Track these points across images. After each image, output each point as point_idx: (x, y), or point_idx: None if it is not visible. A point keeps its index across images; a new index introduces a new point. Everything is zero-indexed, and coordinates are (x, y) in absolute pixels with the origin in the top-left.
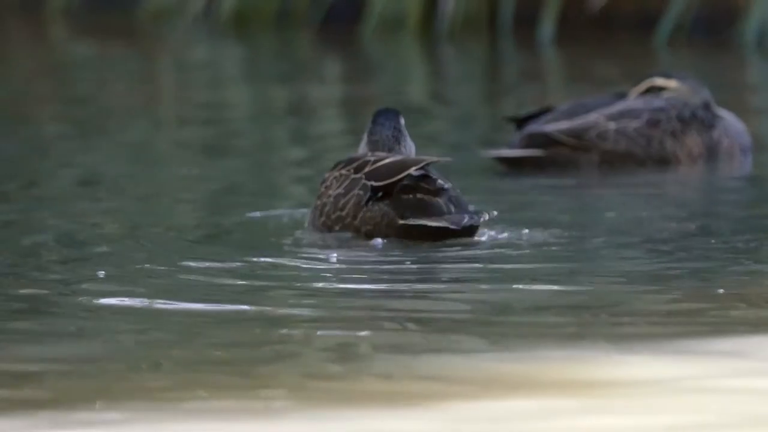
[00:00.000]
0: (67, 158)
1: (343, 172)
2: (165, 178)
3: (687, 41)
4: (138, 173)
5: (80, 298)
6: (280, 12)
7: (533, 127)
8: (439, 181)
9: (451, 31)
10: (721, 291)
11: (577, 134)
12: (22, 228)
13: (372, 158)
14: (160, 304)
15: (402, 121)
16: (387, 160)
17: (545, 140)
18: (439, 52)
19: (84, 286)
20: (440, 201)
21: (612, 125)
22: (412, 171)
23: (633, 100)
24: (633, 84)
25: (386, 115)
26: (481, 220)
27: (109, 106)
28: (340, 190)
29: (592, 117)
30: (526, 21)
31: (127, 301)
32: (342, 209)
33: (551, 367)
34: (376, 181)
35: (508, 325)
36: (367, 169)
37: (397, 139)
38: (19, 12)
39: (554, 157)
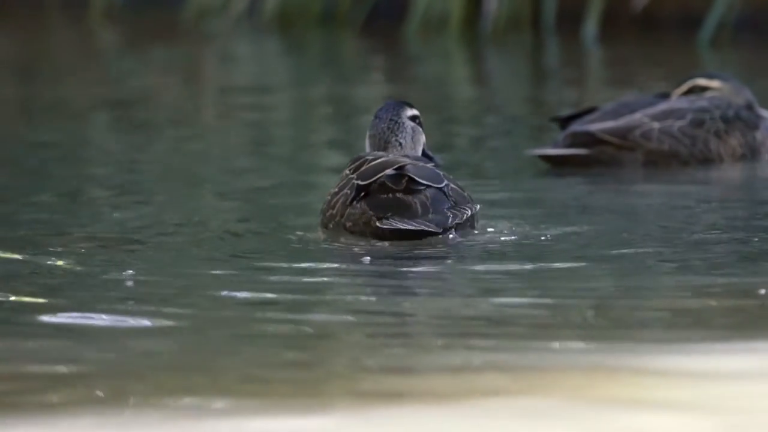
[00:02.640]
0: (110, 155)
1: (347, 171)
2: (205, 176)
3: (730, 41)
4: (179, 171)
5: (109, 296)
6: (323, 11)
7: (578, 126)
8: (417, 180)
9: (494, 31)
10: (762, 291)
11: (622, 133)
12: (62, 223)
13: (369, 158)
14: (183, 307)
15: (407, 113)
16: (376, 161)
17: (590, 139)
18: (483, 52)
19: (112, 286)
20: (414, 201)
21: (656, 125)
22: (389, 171)
23: (677, 100)
24: (676, 84)
25: (386, 108)
26: (458, 220)
27: (152, 104)
28: (335, 189)
29: (637, 116)
30: (570, 20)
31: (154, 303)
32: (333, 207)
33: (581, 368)
34: (362, 180)
35: (544, 322)
36: (361, 169)
37: (393, 131)
38: (62, 11)
39: (599, 156)
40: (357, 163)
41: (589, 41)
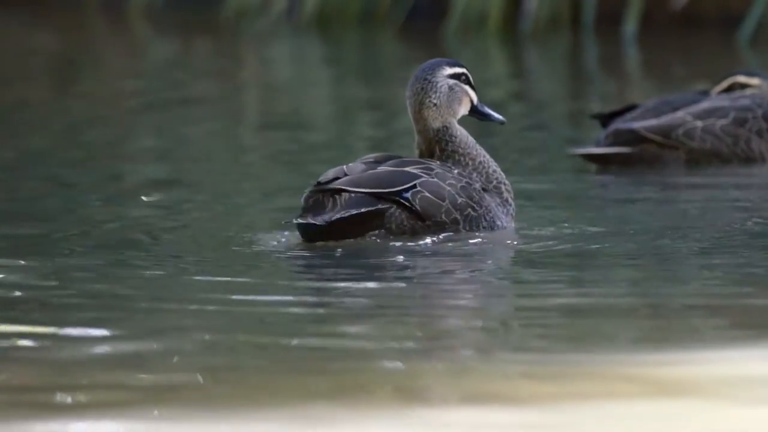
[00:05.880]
0: (148, 151)
1: None
2: (240, 175)
3: None
4: (215, 170)
5: (135, 295)
6: (362, 11)
7: (621, 124)
8: (342, 188)
9: (533, 30)
10: None
11: (665, 132)
12: (92, 218)
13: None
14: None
15: (445, 72)
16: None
17: (633, 137)
18: (522, 51)
19: (139, 283)
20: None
21: (699, 123)
22: (311, 185)
23: (719, 98)
24: (716, 82)
25: (422, 68)
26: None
27: (188, 101)
28: None
29: (680, 115)
30: (609, 19)
31: (183, 303)
32: None
33: (618, 366)
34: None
35: (577, 322)
36: None
37: (426, 91)
38: (101, 10)
39: (641, 154)
40: None
41: (628, 40)
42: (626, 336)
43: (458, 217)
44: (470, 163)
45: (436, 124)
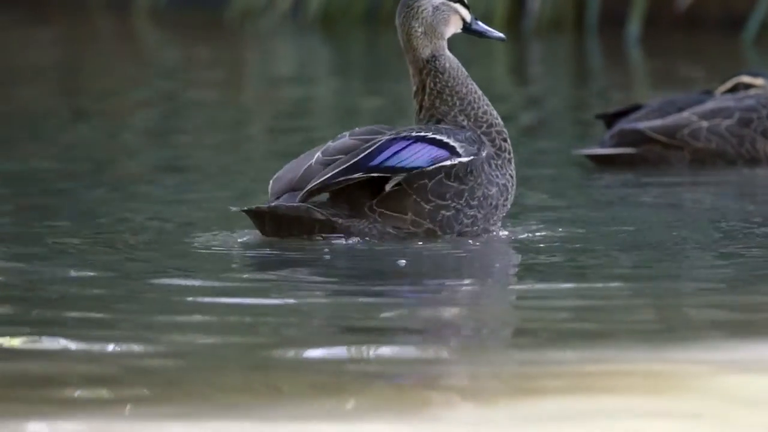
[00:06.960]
0: (152, 149)
1: None
2: (245, 174)
3: None
4: (220, 168)
5: (144, 291)
6: (367, 10)
7: (625, 124)
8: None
9: (537, 30)
10: None
11: (670, 132)
12: (100, 215)
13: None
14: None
15: (422, 4)
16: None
17: (638, 137)
18: (526, 51)
19: (149, 278)
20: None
21: (704, 124)
22: (278, 179)
23: (723, 99)
24: (720, 82)
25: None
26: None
27: (194, 101)
28: None
29: (685, 115)
30: (612, 20)
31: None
32: None
33: (623, 366)
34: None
35: (587, 321)
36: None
37: (408, 19)
38: (105, 11)
39: (646, 154)
40: None
41: (632, 41)
42: (627, 339)
43: (431, 226)
44: (457, 103)
45: (426, 52)
